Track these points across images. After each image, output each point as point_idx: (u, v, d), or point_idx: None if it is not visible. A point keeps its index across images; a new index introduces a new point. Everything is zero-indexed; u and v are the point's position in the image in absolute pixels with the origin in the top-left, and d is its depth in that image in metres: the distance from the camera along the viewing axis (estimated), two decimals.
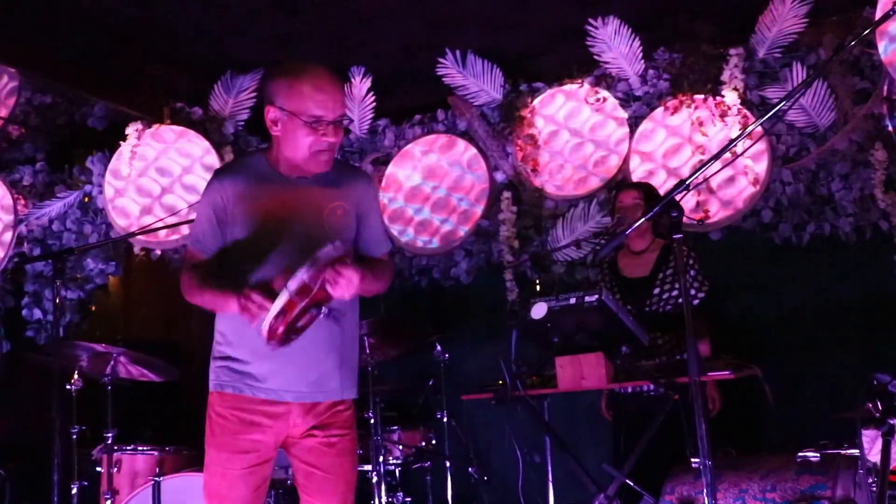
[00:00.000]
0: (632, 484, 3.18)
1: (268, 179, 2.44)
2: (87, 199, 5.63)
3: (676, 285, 3.78)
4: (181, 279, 2.46)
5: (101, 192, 5.52)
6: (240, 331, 2.39)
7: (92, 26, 4.67)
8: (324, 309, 2.22)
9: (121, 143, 5.44)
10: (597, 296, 3.12)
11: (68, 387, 4.04)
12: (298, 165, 2.41)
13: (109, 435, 3.90)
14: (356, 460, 2.55)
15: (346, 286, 2.20)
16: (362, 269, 2.30)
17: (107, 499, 3.89)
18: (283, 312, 2.11)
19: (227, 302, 2.29)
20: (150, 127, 5.41)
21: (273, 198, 2.42)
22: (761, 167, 4.53)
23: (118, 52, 4.97)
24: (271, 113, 2.39)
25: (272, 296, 2.15)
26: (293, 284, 2.10)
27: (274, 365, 2.38)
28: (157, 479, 3.80)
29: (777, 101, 4.35)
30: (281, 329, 2.14)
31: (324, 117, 2.34)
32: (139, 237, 5.09)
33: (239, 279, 2.32)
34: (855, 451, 2.68)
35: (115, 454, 3.95)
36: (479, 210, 5.26)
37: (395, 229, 5.45)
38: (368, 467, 4.12)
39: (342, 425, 2.47)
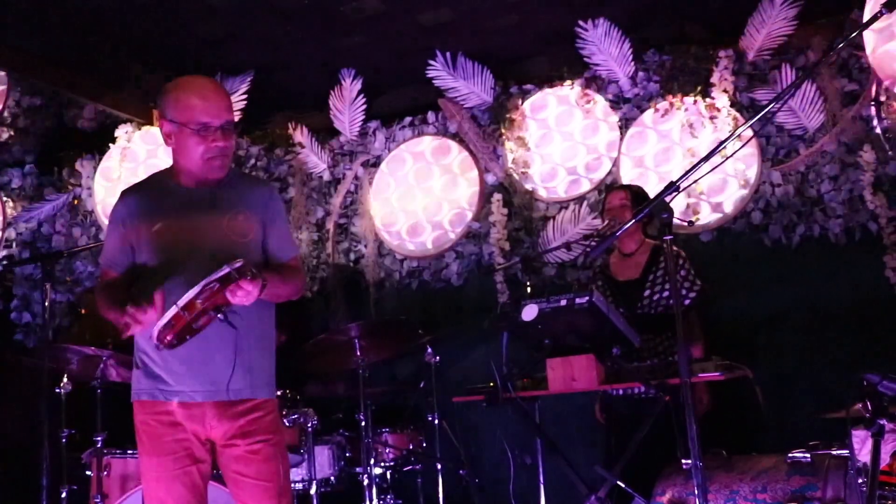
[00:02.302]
0: (623, 485, 3.18)
1: (170, 192, 2.54)
2: (76, 202, 5.62)
3: (667, 287, 3.78)
4: (95, 298, 2.56)
5: (90, 195, 5.50)
6: (149, 339, 2.44)
7: (81, 28, 4.65)
8: (219, 315, 2.30)
9: (110, 145, 5.43)
10: (587, 297, 3.12)
11: (57, 390, 4.03)
12: (196, 175, 2.52)
13: (99, 438, 3.88)
14: (286, 463, 2.57)
15: (243, 296, 2.27)
16: (269, 276, 2.39)
17: (96, 502, 3.86)
18: (170, 324, 2.22)
19: (118, 317, 2.36)
20: (139, 129, 5.40)
21: (174, 208, 2.51)
22: (751, 169, 4.56)
23: (108, 54, 4.95)
24: (164, 127, 2.51)
25: (150, 301, 2.27)
26: (182, 301, 2.20)
27: (181, 368, 2.44)
28: None
29: (766, 103, 4.37)
30: (169, 337, 2.25)
31: (210, 123, 2.45)
32: None
33: (148, 289, 2.40)
34: (845, 452, 2.69)
35: (105, 458, 3.93)
36: (469, 212, 5.27)
37: (385, 232, 5.45)
38: (359, 470, 4.12)
39: (265, 431, 2.50)
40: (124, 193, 2.62)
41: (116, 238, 2.56)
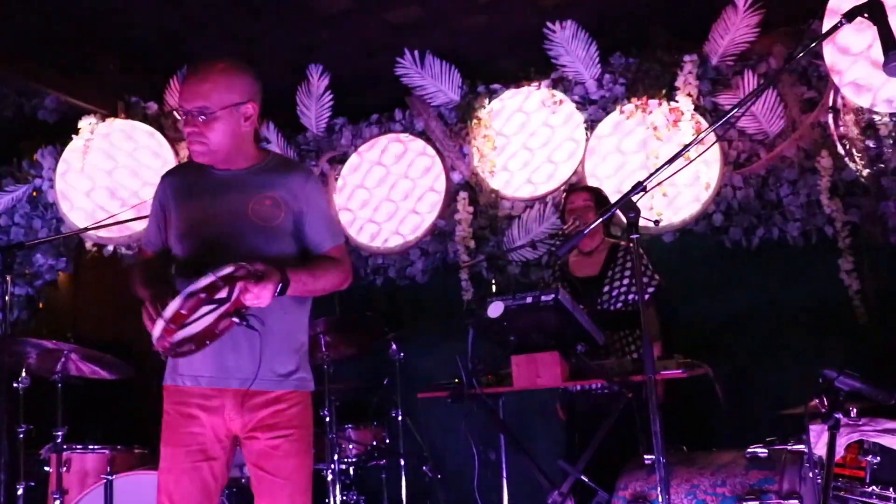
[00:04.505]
0: (586, 480, 3.23)
1: (201, 175, 2.51)
2: (35, 194, 5.52)
3: (626, 282, 3.85)
4: (129, 274, 2.56)
5: (51, 187, 5.41)
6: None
7: (44, 15, 4.57)
8: (235, 319, 2.25)
9: (73, 136, 5.35)
10: (553, 295, 3.15)
11: (15, 385, 3.95)
12: (223, 160, 2.47)
13: (59, 433, 3.82)
14: (306, 461, 2.46)
15: (253, 298, 2.23)
16: (293, 272, 2.32)
17: (56, 499, 3.80)
18: (162, 336, 2.17)
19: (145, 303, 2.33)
20: (103, 121, 5.33)
21: (202, 192, 2.48)
22: (713, 172, 4.64)
23: (71, 42, 4.87)
24: None
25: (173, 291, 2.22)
26: (167, 312, 2.14)
27: (200, 356, 2.39)
28: (108, 477, 3.74)
29: (729, 107, 4.46)
30: (167, 345, 2.19)
31: (183, 108, 2.43)
32: (91, 232, 5.01)
33: (173, 273, 2.42)
34: (800, 447, 2.77)
35: (65, 453, 3.87)
36: (435, 210, 5.28)
37: (351, 230, 5.45)
38: (323, 465, 4.12)
39: (286, 425, 2.41)
40: (166, 174, 2.63)
41: (155, 217, 2.56)
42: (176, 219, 2.49)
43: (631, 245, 2.83)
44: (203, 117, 2.40)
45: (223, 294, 2.19)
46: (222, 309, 2.21)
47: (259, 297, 2.22)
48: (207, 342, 2.25)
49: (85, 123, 5.28)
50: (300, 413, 2.45)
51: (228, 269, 2.17)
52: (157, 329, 2.16)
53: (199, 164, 2.52)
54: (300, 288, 2.36)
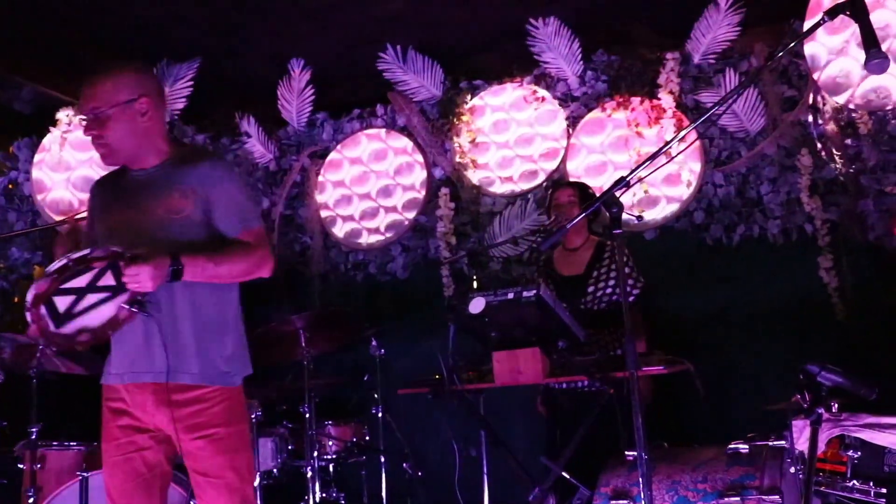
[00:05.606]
0: (568, 477, 3.22)
1: (120, 180, 2.54)
2: (11, 186, 5.44)
3: (611, 283, 3.85)
4: None
5: (27, 179, 5.34)
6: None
7: (20, 4, 4.50)
8: (133, 308, 2.27)
9: (50, 128, 5.27)
10: (535, 291, 3.15)
11: None
12: (131, 159, 2.49)
13: (34, 430, 3.76)
14: (237, 457, 2.42)
15: (133, 283, 2.22)
16: (190, 257, 2.30)
17: (30, 497, 3.74)
18: (34, 322, 2.20)
19: None
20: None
21: (117, 196, 2.51)
22: (695, 169, 4.66)
23: (49, 32, 4.80)
24: None
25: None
26: (28, 297, 2.18)
27: (117, 352, 2.46)
28: (84, 474, 3.69)
29: (710, 105, 4.48)
30: (50, 334, 2.22)
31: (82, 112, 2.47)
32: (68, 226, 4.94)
33: None
34: (781, 443, 2.79)
35: (39, 450, 3.81)
36: (416, 205, 5.26)
37: (335, 226, 5.42)
38: (303, 462, 4.09)
39: (209, 424, 2.38)
40: (92, 185, 2.65)
41: (87, 225, 2.58)
42: (98, 225, 2.53)
43: (616, 243, 2.83)
44: (97, 119, 2.41)
45: (110, 281, 2.21)
46: (119, 298, 2.23)
47: (138, 279, 2.21)
48: (110, 332, 2.29)
49: (63, 115, 5.22)
50: (225, 410, 2.41)
51: (83, 253, 2.20)
52: (28, 315, 2.19)
53: (121, 168, 2.55)
54: (199, 273, 2.34)
